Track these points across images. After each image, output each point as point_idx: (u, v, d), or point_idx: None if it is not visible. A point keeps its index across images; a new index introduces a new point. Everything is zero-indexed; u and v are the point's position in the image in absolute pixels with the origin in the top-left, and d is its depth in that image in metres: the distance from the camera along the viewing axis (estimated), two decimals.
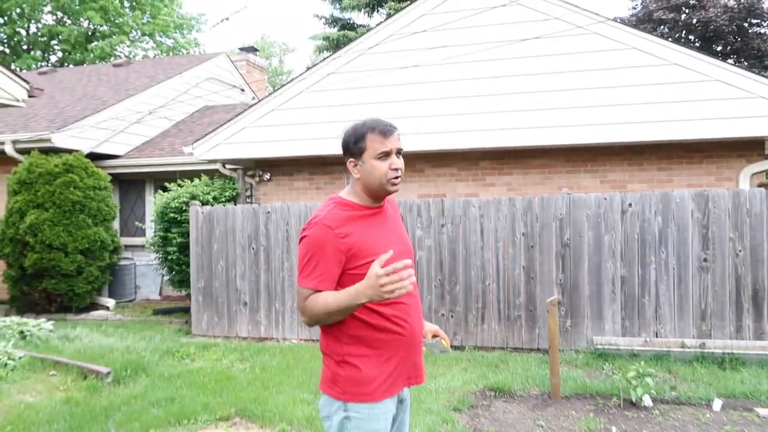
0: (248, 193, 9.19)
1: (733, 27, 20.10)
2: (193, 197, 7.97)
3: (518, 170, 7.85)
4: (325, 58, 8.46)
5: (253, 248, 7.05)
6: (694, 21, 20.94)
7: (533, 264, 6.18)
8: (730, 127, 6.68)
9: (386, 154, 1.97)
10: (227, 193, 8.54)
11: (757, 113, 6.59)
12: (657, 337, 5.86)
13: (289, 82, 8.44)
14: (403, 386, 2.04)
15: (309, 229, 1.96)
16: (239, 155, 8.51)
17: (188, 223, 7.43)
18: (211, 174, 9.29)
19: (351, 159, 2.02)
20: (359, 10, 20.30)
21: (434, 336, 2.28)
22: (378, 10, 20.27)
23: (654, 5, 21.14)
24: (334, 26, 21.39)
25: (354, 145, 2.00)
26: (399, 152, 2.02)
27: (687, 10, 20.95)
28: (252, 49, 16.96)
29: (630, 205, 5.94)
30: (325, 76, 8.09)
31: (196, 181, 8.55)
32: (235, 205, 8.06)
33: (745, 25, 20.93)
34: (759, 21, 21.13)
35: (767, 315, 5.63)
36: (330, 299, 1.88)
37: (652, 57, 6.85)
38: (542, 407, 4.54)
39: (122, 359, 5.71)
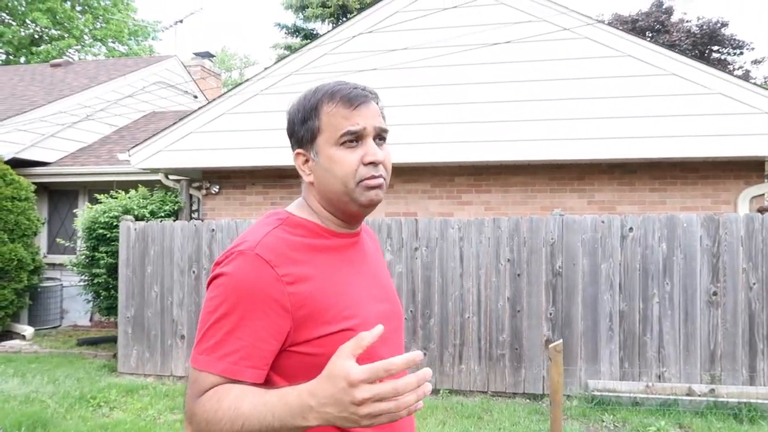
0: (194, 208, 8.14)
1: (696, 52, 20.18)
2: (126, 211, 6.90)
3: (497, 188, 7.07)
4: (284, 57, 7.56)
5: (194, 272, 6.02)
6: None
7: (520, 295, 5.36)
8: (731, 146, 6.06)
9: (355, 137, 1.16)
10: (168, 207, 7.48)
11: (760, 131, 5.99)
12: (660, 381, 5.11)
13: (243, 83, 7.50)
14: None
15: (228, 263, 1.11)
16: (184, 164, 7.48)
17: (119, 240, 6.35)
18: (152, 185, 8.21)
19: (299, 150, 1.22)
20: (323, 20, 19.56)
21: None
22: (342, 21, 19.56)
23: (620, 28, 21.13)
24: (297, 35, 20.57)
25: (302, 125, 1.21)
26: (380, 135, 1.20)
27: (651, 34, 20.99)
28: (207, 55, 15.92)
29: (631, 229, 5.20)
30: (286, 77, 7.18)
31: (132, 192, 7.47)
32: (177, 220, 7.02)
33: (707, 51, 21.11)
34: (719, 48, 21.35)
35: None
36: (247, 407, 1.00)
37: (649, 66, 6.20)
38: None
39: (18, 411, 4.59)
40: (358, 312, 1.14)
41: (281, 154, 7.07)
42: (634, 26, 20.87)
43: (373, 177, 1.16)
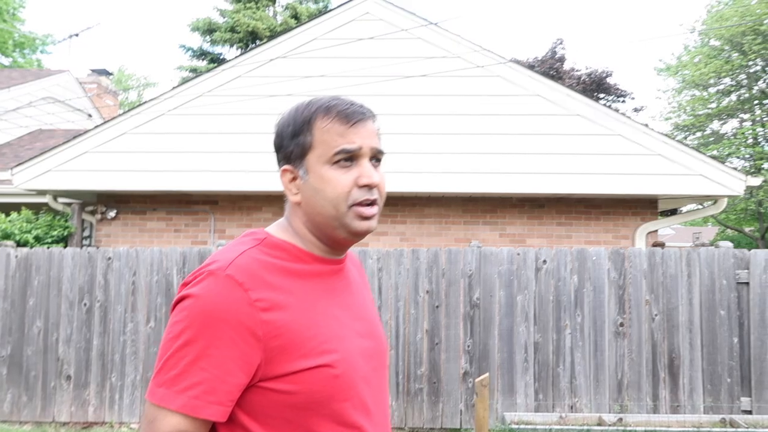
0: (86, 234, 7.45)
1: (590, 98, 21.79)
2: (7, 236, 6.17)
3: (413, 219, 7.06)
4: (190, 79, 7.20)
5: (85, 304, 5.43)
6: None
7: (438, 327, 5.30)
8: (629, 184, 6.46)
9: (350, 157, 1.06)
10: (56, 233, 6.78)
11: (654, 171, 6.44)
12: (573, 411, 5.19)
13: (148, 101, 7.04)
14: None
15: (195, 284, 0.99)
16: (78, 186, 6.85)
17: None
18: (38, 208, 7.44)
19: (286, 167, 1.11)
20: (231, 45, 19.11)
21: None
22: (251, 47, 19.23)
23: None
24: (203, 59, 19.93)
25: (292, 139, 1.10)
26: (376, 157, 1.11)
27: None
28: (104, 72, 15.03)
29: (545, 261, 5.32)
30: (196, 97, 6.82)
31: (14, 215, 6.71)
32: (67, 247, 6.36)
33: (595, 98, 22.87)
34: (605, 95, 23.21)
35: (682, 385, 5.21)
36: None
37: (556, 106, 6.51)
38: None
39: None
40: (339, 347, 1.03)
41: (188, 178, 6.67)
42: (534, 70, 22.23)
43: (367, 202, 1.06)
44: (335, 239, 1.09)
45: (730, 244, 5.61)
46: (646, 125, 6.86)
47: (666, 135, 6.75)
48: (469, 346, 5.27)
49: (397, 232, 7.04)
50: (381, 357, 1.16)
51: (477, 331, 5.28)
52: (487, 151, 6.57)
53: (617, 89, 22.17)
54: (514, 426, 4.97)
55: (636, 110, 22.83)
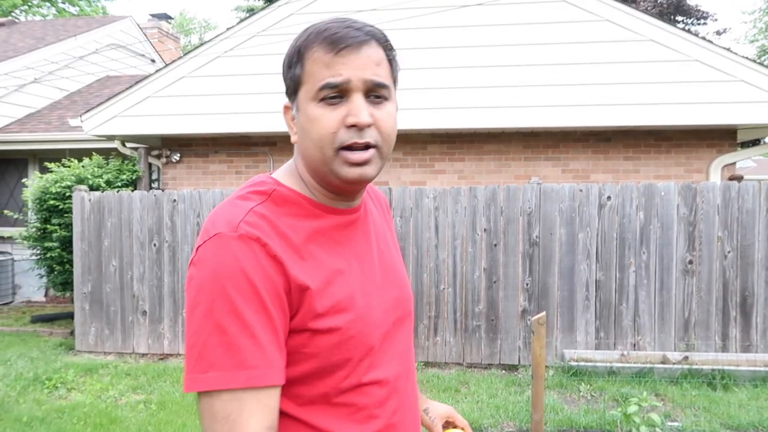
0: (153, 177, 7.74)
1: (666, 22, 20.28)
2: (80, 180, 6.48)
3: (471, 156, 6.90)
4: (247, 17, 7.15)
5: (155, 245, 5.69)
6: None
7: (496, 266, 5.24)
8: (705, 114, 6.01)
9: (338, 92, 0.90)
10: (125, 177, 7.07)
11: (734, 99, 5.95)
12: (635, 349, 5.10)
13: (204, 44, 7.07)
14: None
15: (210, 248, 0.87)
16: (142, 131, 7.06)
17: (72, 212, 5.95)
18: (108, 153, 7.76)
19: (286, 104, 1.00)
20: None
21: (448, 425, 1.27)
22: None
23: None
24: None
25: (287, 71, 0.96)
26: (373, 90, 0.92)
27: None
28: (165, 16, 15.17)
29: (609, 198, 5.10)
30: (250, 37, 6.79)
31: (86, 161, 7.02)
32: (135, 190, 6.63)
33: (673, 21, 21.24)
34: (684, 18, 21.50)
35: (755, 324, 4.98)
36: None
37: (627, 31, 6.06)
38: None
39: None
40: (357, 305, 0.95)
41: (246, 120, 6.74)
42: None
43: (357, 146, 0.91)
44: (333, 186, 0.97)
45: None
46: (728, 49, 6.30)
47: (749, 59, 6.19)
48: (527, 284, 5.21)
49: (455, 169, 6.91)
50: (405, 305, 1.09)
51: (536, 269, 5.20)
52: (551, 83, 6.24)
53: (698, 11, 20.51)
54: (573, 363, 4.94)
55: (718, 33, 21.10)
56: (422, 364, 5.31)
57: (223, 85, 6.84)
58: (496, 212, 5.24)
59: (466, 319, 5.29)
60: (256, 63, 6.75)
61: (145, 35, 13.31)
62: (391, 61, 0.97)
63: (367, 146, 0.92)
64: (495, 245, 5.24)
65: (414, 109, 6.41)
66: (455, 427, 1.30)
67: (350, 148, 0.91)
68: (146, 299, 5.70)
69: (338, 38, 0.90)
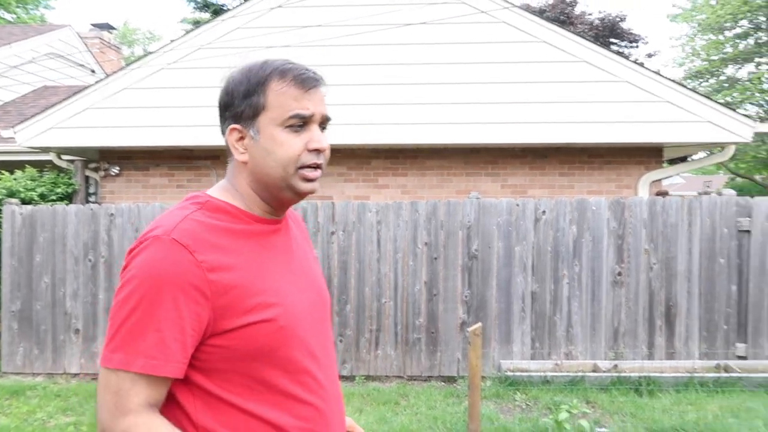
0: (91, 191, 7.52)
1: (598, 43, 21.21)
2: (11, 194, 6.24)
3: (414, 171, 7.03)
4: (193, 29, 7.10)
5: (90, 260, 5.53)
6: None
7: (436, 279, 5.35)
8: (634, 132, 6.34)
9: (303, 122, 1.10)
10: (60, 190, 6.85)
11: (660, 118, 6.31)
12: (568, 359, 5.28)
13: (147, 55, 6.97)
14: None
15: (141, 252, 1.03)
16: (79, 143, 6.86)
17: (1, 226, 5.72)
18: (42, 166, 7.50)
19: (235, 126, 1.13)
20: None
21: None
22: None
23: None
24: (206, 10, 19.56)
25: (244, 99, 1.11)
26: (324, 122, 1.16)
27: (558, 25, 21.81)
28: (107, 26, 14.81)
29: (544, 212, 5.30)
30: (195, 50, 6.73)
31: (18, 173, 6.77)
32: (71, 204, 6.43)
33: (607, 44, 22.24)
34: (617, 41, 22.56)
35: (678, 332, 5.26)
36: None
37: (563, 53, 6.34)
38: None
39: None
40: (282, 301, 1.09)
41: (189, 133, 6.66)
42: (542, 16, 21.60)
43: (315, 165, 1.11)
44: (280, 199, 1.14)
45: (733, 192, 5.54)
46: (658, 72, 6.68)
47: (674, 81, 6.58)
48: (467, 297, 5.33)
49: (398, 184, 7.02)
50: (323, 308, 1.23)
51: (475, 282, 5.33)
52: (490, 100, 6.46)
53: (630, 34, 21.53)
54: (509, 373, 5.07)
55: (649, 56, 22.20)
56: (363, 377, 5.34)
57: (166, 98, 6.75)
58: (437, 226, 5.35)
59: (407, 332, 5.36)
60: (201, 76, 6.69)
61: (86, 45, 12.98)
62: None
63: (317, 166, 1.12)
64: (435, 258, 5.35)
65: (359, 124, 6.50)
66: None
67: (308, 167, 1.10)
68: (80, 317, 5.52)
69: (306, 78, 1.10)
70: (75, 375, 5.50)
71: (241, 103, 1.10)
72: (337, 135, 6.44)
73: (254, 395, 1.06)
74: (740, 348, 5.21)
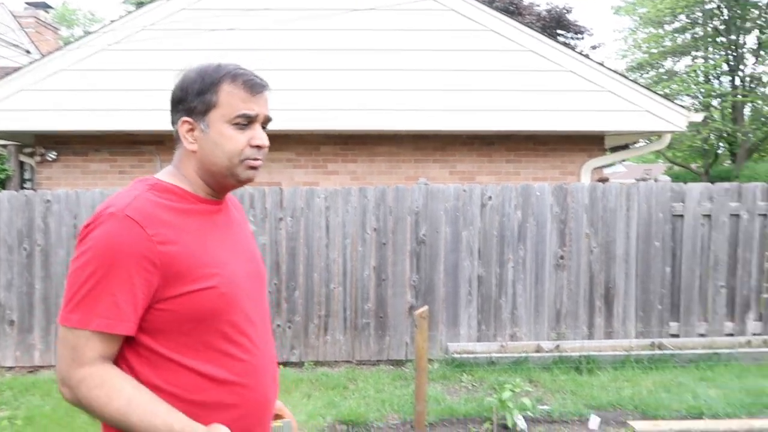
0: (26, 177, 7.20)
1: (545, 34, 21.65)
2: None
3: (364, 157, 7.04)
4: (135, 9, 6.85)
5: (25, 249, 5.30)
6: None
7: (385, 264, 5.39)
8: (578, 120, 6.54)
9: (248, 121, 1.28)
10: None
11: (602, 107, 6.52)
12: (513, 340, 5.43)
13: (87, 35, 6.69)
14: None
15: (97, 226, 1.18)
16: (12, 127, 6.56)
17: None
18: None
19: (186, 119, 1.28)
20: None
21: (277, 417, 1.48)
22: None
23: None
24: None
25: (197, 96, 1.27)
26: (266, 123, 1.34)
27: (506, 15, 22.12)
28: (44, 5, 14.17)
29: (490, 198, 5.41)
30: (138, 31, 6.51)
31: None
32: (4, 190, 6.14)
33: (553, 35, 22.72)
34: (564, 32, 23.08)
35: (616, 313, 5.48)
36: (135, 418, 1.14)
37: (510, 42, 6.46)
38: None
39: None
40: (223, 271, 1.24)
41: (132, 117, 6.46)
42: (491, 6, 21.86)
43: (256, 159, 1.28)
44: (223, 184, 1.31)
45: (668, 179, 5.79)
46: (602, 63, 6.89)
47: (616, 72, 6.80)
48: (415, 282, 5.40)
49: (348, 171, 7.02)
50: (261, 279, 1.40)
51: (423, 267, 5.40)
52: (439, 87, 6.52)
53: (576, 26, 22.01)
54: (456, 355, 5.18)
55: (594, 48, 22.85)
56: (312, 363, 5.34)
57: (107, 80, 6.51)
58: (386, 212, 5.38)
59: (356, 317, 5.38)
60: (145, 58, 6.49)
61: (20, 24, 12.34)
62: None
63: (257, 159, 1.29)
64: (384, 244, 5.38)
65: (308, 109, 6.45)
66: (282, 417, 1.46)
67: (249, 159, 1.27)
68: (14, 308, 5.29)
69: (254, 84, 1.26)
70: (10, 368, 5.28)
71: (194, 99, 1.25)
72: (287, 121, 6.37)
73: (195, 354, 1.20)
74: (673, 327, 5.48)
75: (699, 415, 4.05)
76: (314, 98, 6.44)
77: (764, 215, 5.48)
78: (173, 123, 1.29)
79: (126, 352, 1.19)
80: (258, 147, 1.27)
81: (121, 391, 1.14)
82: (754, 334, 5.49)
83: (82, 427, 3.86)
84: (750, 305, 5.52)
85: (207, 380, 1.21)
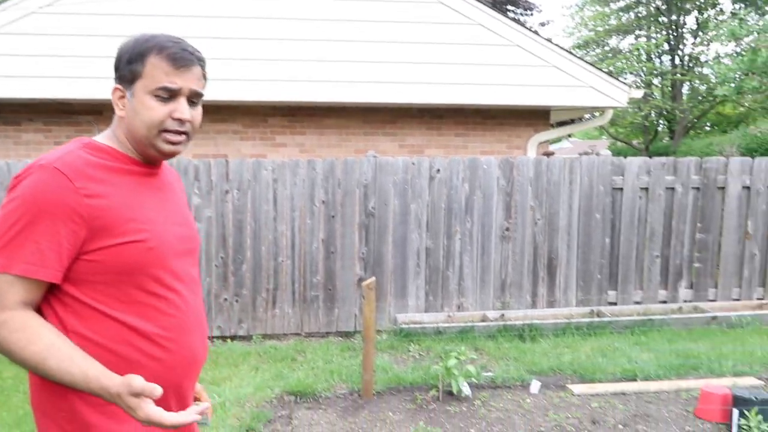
0: None
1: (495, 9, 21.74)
2: None
3: (312, 130, 6.95)
4: None
5: None
6: None
7: (334, 237, 5.38)
8: (524, 95, 6.64)
9: (169, 94, 1.30)
10: None
11: (548, 82, 6.63)
12: (460, 310, 5.55)
13: None
14: None
15: (26, 177, 1.22)
16: None
17: None
18: None
19: (117, 86, 1.34)
20: None
21: (196, 399, 1.52)
22: None
23: None
24: None
25: (126, 65, 1.31)
26: (195, 98, 1.35)
27: None
28: None
29: (438, 171, 5.45)
30: None
31: None
32: None
33: (503, 9, 22.87)
34: (513, 8, 23.26)
35: (558, 283, 5.66)
36: (53, 362, 1.16)
37: (459, 15, 6.45)
38: (354, 411, 3.79)
39: None
40: (152, 228, 1.28)
41: (68, 85, 6.15)
42: None
43: (177, 132, 1.31)
44: (147, 154, 1.34)
45: (609, 153, 5.98)
46: (549, 40, 6.98)
47: (562, 48, 6.91)
48: (364, 254, 5.42)
49: (296, 143, 6.92)
50: (193, 243, 1.44)
51: (372, 240, 5.42)
52: (388, 60, 6.47)
53: (526, 2, 22.19)
54: (404, 326, 5.25)
55: (542, 24, 23.15)
56: (260, 336, 5.32)
57: (40, 45, 6.15)
58: (334, 184, 5.35)
59: (305, 290, 5.38)
60: (83, 22, 6.17)
61: None
62: (205, 75, 1.36)
63: (181, 133, 1.32)
64: (333, 217, 5.36)
65: (255, 80, 6.30)
66: (199, 400, 1.50)
67: (170, 131, 1.30)
68: None
69: (179, 58, 1.28)
70: None
71: (125, 67, 1.29)
72: (233, 91, 6.22)
73: (122, 306, 1.24)
74: (611, 295, 5.72)
75: (633, 378, 4.26)
76: (261, 68, 6.29)
77: (697, 188, 5.74)
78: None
79: (53, 302, 1.23)
80: (180, 120, 1.30)
81: (40, 336, 1.16)
82: (685, 301, 5.79)
83: (19, 405, 3.73)
84: (682, 274, 5.80)
85: (133, 332, 1.25)
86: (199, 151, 6.61)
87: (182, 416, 1.17)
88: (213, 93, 6.02)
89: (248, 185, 5.25)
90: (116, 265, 1.22)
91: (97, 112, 6.69)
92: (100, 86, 6.03)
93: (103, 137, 1.34)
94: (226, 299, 5.27)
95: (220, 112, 6.61)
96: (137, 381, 1.12)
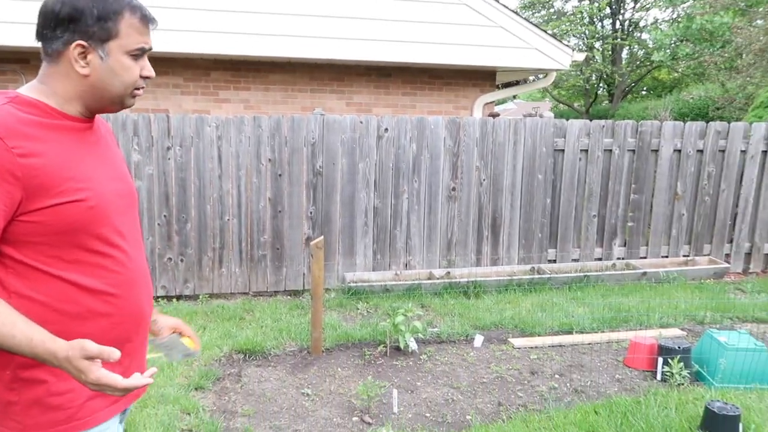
0: None
1: None
2: None
3: (257, 86, 6.76)
4: None
5: None
6: None
7: (281, 195, 5.32)
8: (471, 55, 6.65)
9: (142, 53, 1.33)
10: None
11: (494, 43, 6.66)
12: (407, 269, 5.65)
13: None
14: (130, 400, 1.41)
15: None
16: None
17: None
18: None
19: (81, 42, 1.25)
20: None
21: (175, 332, 1.54)
22: None
23: None
24: None
25: (98, 21, 1.24)
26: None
27: None
28: None
29: (386, 130, 5.44)
30: None
31: None
32: None
33: None
34: None
35: (502, 241, 5.84)
36: None
37: None
38: (303, 367, 3.84)
39: None
40: (92, 186, 1.25)
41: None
42: None
43: (142, 88, 1.35)
44: (107, 109, 1.33)
45: (552, 115, 6.11)
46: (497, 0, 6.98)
47: (507, 8, 6.93)
48: (311, 213, 5.40)
49: (240, 99, 6.73)
50: (131, 197, 1.42)
51: (320, 198, 5.40)
52: (334, 14, 6.32)
53: None
54: (353, 284, 5.32)
55: None
56: (207, 296, 5.26)
57: None
58: (281, 142, 5.27)
59: (252, 249, 5.33)
60: None
61: None
62: None
63: (141, 90, 1.35)
64: (280, 175, 5.29)
65: (196, 31, 6.04)
66: (183, 335, 1.51)
67: (139, 89, 1.33)
68: None
69: (150, 18, 1.31)
70: None
71: (94, 24, 1.23)
72: (172, 42, 5.94)
73: (65, 265, 1.22)
74: (551, 253, 5.95)
75: (569, 331, 4.50)
76: (203, 19, 6.02)
77: (632, 151, 5.98)
78: (51, 40, 1.23)
79: None
80: (146, 77, 1.34)
81: None
82: (619, 258, 6.10)
83: None
84: (617, 233, 6.09)
85: (78, 289, 1.24)
86: (138, 106, 6.31)
87: (135, 380, 1.15)
88: (160, 44, 5.76)
89: (191, 142, 5.10)
90: (57, 225, 1.19)
91: (23, 61, 6.27)
92: (26, 32, 5.63)
93: (31, 90, 1.26)
94: (170, 259, 5.17)
95: (157, 64, 6.29)
96: (92, 345, 1.10)
